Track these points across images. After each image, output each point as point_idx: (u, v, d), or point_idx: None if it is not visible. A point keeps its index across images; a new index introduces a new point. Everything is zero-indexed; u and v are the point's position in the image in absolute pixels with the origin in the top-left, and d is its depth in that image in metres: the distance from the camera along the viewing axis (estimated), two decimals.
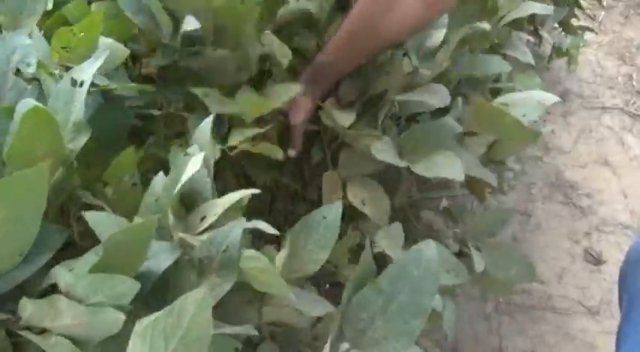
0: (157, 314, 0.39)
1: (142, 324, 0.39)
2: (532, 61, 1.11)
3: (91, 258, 0.47)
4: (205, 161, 0.52)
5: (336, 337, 0.50)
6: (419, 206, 1.01)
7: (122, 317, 0.41)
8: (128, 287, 0.43)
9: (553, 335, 1.35)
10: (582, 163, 1.75)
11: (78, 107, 0.53)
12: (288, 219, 0.97)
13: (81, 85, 0.53)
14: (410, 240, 0.88)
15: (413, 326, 0.48)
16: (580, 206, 1.63)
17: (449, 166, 0.74)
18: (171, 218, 0.50)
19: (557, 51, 1.70)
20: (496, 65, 0.91)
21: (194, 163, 0.51)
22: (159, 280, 0.47)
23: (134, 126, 0.69)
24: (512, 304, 1.41)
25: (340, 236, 0.64)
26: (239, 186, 0.57)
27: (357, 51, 0.76)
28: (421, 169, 0.74)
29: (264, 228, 0.51)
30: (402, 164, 0.75)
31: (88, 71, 0.55)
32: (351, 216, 0.87)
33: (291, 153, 0.78)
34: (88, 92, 0.53)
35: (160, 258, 0.48)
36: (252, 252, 0.49)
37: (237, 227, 0.48)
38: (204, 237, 0.49)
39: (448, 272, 0.78)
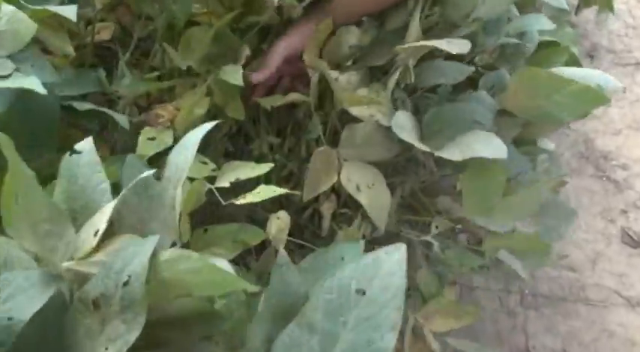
0: None
1: None
2: (566, 6, 0.93)
3: None
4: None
5: None
6: (432, 191, 0.89)
7: None
8: None
9: (587, 331, 1.19)
10: (615, 129, 1.55)
11: None
12: (283, 205, 0.85)
13: None
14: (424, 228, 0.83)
15: None
16: (615, 179, 1.45)
17: (486, 144, 0.61)
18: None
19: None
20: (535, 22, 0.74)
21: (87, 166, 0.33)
22: (40, 334, 0.31)
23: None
24: (540, 295, 1.24)
25: None
26: None
27: None
28: (449, 154, 0.62)
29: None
30: (424, 148, 0.63)
31: None
32: (357, 204, 0.75)
33: (258, 76, 0.67)
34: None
35: (20, 298, 0.31)
36: (174, 251, 0.34)
37: (144, 246, 0.31)
38: (98, 257, 0.33)
39: None
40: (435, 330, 0.79)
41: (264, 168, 0.57)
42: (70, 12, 0.51)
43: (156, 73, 0.70)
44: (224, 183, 0.55)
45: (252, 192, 0.53)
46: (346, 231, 0.76)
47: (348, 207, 0.87)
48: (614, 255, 1.30)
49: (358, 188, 0.67)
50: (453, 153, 0.61)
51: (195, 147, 0.39)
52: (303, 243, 0.76)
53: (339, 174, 0.69)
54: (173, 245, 0.34)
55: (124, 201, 0.35)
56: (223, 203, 0.53)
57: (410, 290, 0.90)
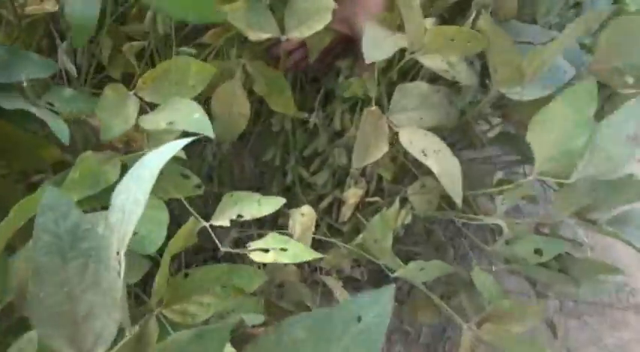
0: None
1: None
2: None
3: None
4: None
5: None
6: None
7: None
8: None
9: (639, 344, 1.01)
10: None
11: None
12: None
13: None
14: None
15: None
16: None
17: None
18: None
19: None
20: None
21: None
22: None
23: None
24: (582, 302, 1.06)
25: None
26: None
27: None
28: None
29: None
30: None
31: None
32: (391, 189, 0.67)
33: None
34: None
35: None
36: None
37: None
38: None
39: None
40: (495, 339, 0.63)
41: (276, 204, 0.42)
42: None
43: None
44: (223, 220, 0.40)
45: (276, 248, 0.35)
46: (383, 215, 0.59)
47: (379, 195, 0.69)
48: None
49: (424, 153, 0.55)
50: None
51: (153, 180, 0.26)
52: (322, 238, 0.62)
53: (390, 144, 0.57)
54: (120, 333, 0.14)
55: (35, 269, 0.18)
56: (221, 249, 0.35)
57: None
